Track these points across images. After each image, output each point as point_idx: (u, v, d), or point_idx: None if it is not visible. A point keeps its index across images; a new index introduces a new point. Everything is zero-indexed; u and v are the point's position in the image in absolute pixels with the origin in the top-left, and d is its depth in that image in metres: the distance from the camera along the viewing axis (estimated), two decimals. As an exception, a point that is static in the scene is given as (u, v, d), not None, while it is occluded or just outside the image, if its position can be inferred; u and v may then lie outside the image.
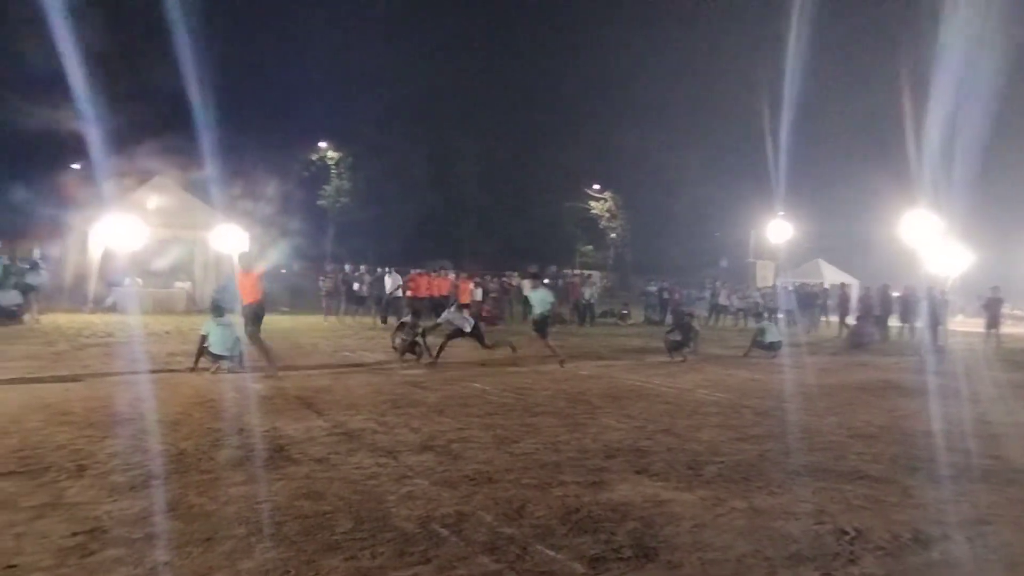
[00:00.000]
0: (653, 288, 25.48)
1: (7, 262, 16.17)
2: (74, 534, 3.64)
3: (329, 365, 10.64)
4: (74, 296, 19.07)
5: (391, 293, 19.22)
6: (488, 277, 23.82)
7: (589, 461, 5.47)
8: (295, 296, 25.46)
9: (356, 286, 19.72)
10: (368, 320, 19.28)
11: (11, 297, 15.30)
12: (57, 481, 4.51)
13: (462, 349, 13.57)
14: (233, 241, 18.87)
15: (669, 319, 18.91)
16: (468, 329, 11.44)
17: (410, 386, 8.82)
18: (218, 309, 9.82)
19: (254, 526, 3.84)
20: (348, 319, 19.46)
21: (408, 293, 18.98)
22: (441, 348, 11.07)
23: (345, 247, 41.66)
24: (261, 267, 9.68)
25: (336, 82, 42.90)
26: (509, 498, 4.50)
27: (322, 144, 45.38)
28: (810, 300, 24.12)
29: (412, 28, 50.37)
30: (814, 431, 6.85)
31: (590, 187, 49.10)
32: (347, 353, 12.28)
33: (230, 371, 9.17)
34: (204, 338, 9.35)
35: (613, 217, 49.78)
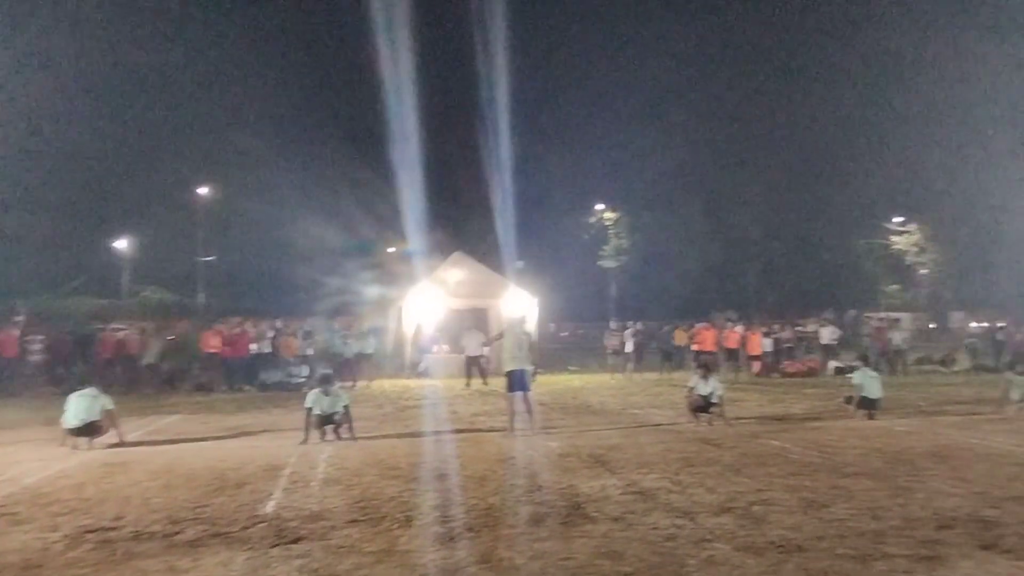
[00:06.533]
0: (982, 328, 22.02)
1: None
2: (406, 579, 4.06)
3: (618, 423, 10.74)
4: (394, 363, 21.74)
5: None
6: (778, 326, 22.40)
7: (918, 531, 4.80)
8: (582, 355, 26.31)
9: (628, 344, 19.74)
10: (653, 376, 19.20)
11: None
12: (391, 530, 5.08)
13: (753, 403, 12.89)
14: (521, 306, 20.21)
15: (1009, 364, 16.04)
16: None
17: (702, 443, 8.54)
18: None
19: (559, 583, 3.95)
20: (636, 376, 19.55)
21: (694, 347, 18.59)
22: None
23: (627, 304, 42.27)
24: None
25: (614, 148, 44.45)
26: (824, 569, 4.10)
27: (599, 206, 46.99)
28: None
29: (684, 80, 50.36)
30: None
31: (888, 221, 44.31)
32: (635, 411, 12.30)
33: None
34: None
35: (922, 251, 44.22)
